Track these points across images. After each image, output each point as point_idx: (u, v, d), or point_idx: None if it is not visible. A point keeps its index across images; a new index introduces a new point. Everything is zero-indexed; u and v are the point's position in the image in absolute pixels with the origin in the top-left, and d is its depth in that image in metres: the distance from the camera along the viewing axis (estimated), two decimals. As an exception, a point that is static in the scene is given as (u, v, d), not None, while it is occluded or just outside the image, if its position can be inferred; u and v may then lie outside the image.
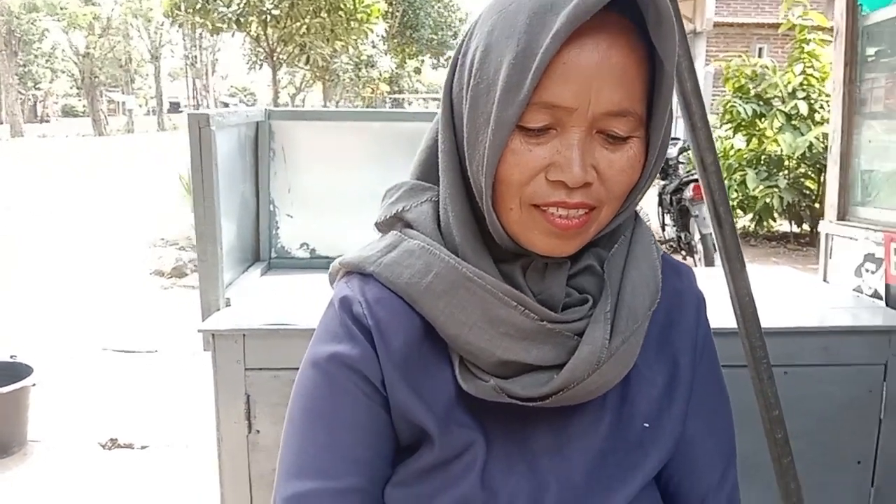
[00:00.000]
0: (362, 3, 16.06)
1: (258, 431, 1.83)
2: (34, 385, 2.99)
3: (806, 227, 8.94)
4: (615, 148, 0.74)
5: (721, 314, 1.76)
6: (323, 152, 2.55)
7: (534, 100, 0.70)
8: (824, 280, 2.45)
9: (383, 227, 0.89)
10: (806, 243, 8.85)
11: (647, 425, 0.85)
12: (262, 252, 2.55)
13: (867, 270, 2.21)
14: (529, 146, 0.73)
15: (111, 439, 3.17)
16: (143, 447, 3.14)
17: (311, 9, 15.49)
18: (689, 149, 2.46)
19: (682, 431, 0.88)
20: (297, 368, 1.80)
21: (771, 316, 1.94)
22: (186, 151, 1.86)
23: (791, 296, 2.25)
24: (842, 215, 2.42)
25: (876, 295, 2.15)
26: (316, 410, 0.83)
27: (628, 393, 0.85)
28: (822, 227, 2.47)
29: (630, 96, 0.72)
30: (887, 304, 2.09)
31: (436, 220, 0.84)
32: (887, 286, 2.10)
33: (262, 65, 20.50)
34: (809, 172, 8.52)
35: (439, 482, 0.82)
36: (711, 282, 1.66)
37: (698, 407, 0.90)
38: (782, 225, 9.36)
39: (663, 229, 7.91)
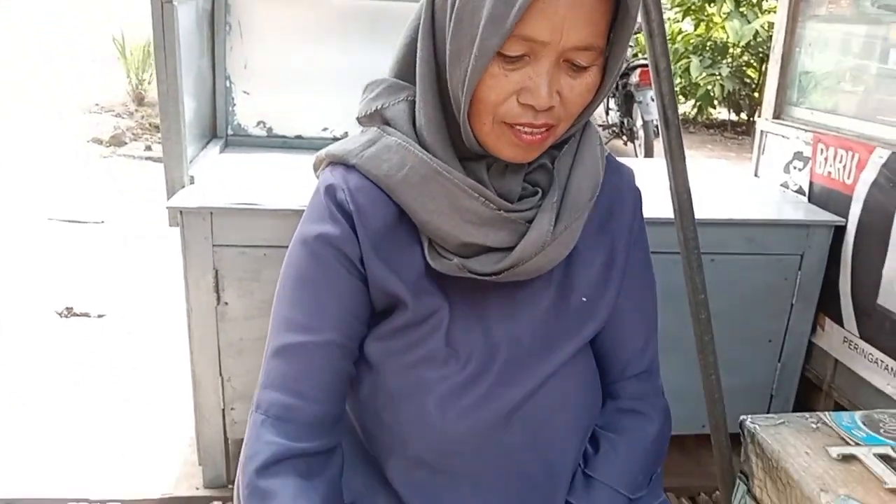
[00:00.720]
0: None
1: (226, 304, 1.93)
2: (-13, 253, 3.02)
3: (744, 115, 9.19)
4: (577, 75, 0.85)
5: (660, 206, 1.92)
6: (280, 28, 2.53)
7: (514, 32, 0.80)
8: (755, 175, 2.62)
9: (365, 121, 0.99)
10: (742, 132, 9.13)
11: (584, 299, 1.01)
12: (218, 129, 2.57)
13: (795, 168, 2.39)
14: (506, 72, 0.83)
15: (67, 308, 3.23)
16: (99, 316, 3.22)
17: None
18: (639, 32, 2.50)
19: (614, 306, 1.04)
20: (263, 246, 1.91)
21: (703, 208, 2.10)
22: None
23: (723, 189, 2.42)
24: (777, 114, 2.56)
25: (800, 191, 2.33)
26: (303, 279, 0.96)
27: (570, 272, 1.00)
28: (759, 124, 2.62)
29: (596, 33, 0.83)
30: (809, 200, 2.28)
31: (411, 119, 0.94)
32: (811, 184, 2.28)
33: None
34: (752, 61, 8.68)
35: (410, 339, 0.97)
36: (652, 175, 1.81)
37: (628, 286, 1.06)
38: (721, 113, 9.59)
39: (607, 114, 8.01)
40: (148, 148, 6.46)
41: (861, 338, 2.03)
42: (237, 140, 2.57)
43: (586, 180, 0.94)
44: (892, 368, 1.91)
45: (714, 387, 1.60)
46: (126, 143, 6.56)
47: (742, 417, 1.10)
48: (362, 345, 1.00)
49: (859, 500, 0.90)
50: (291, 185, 2.00)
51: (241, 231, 1.88)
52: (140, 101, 7.68)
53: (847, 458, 0.98)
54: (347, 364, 0.98)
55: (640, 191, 1.08)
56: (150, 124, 7.19)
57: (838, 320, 2.12)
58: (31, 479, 2.13)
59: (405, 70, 0.96)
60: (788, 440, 1.02)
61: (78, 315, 3.22)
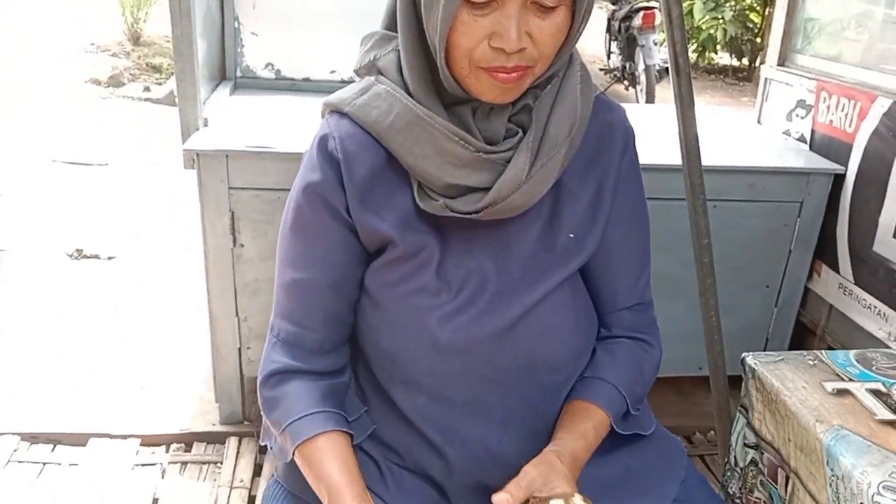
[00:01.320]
0: None
1: (242, 245, 1.98)
2: (-2, 195, 3.05)
3: (745, 61, 9.13)
4: (545, 16, 0.90)
5: (665, 153, 1.96)
6: (288, -33, 2.52)
7: None
8: (758, 122, 2.66)
9: (361, 72, 1.06)
10: (743, 78, 9.08)
11: (571, 235, 1.07)
12: (227, 71, 2.58)
13: (797, 115, 2.42)
14: (475, 17, 0.88)
15: (77, 250, 3.28)
16: (109, 258, 3.27)
17: None
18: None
19: (602, 239, 1.10)
20: (277, 189, 1.95)
21: (706, 154, 2.15)
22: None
23: (727, 136, 2.46)
24: (782, 61, 2.58)
25: (802, 139, 2.37)
26: (298, 226, 1.06)
27: (557, 208, 1.05)
28: (763, 71, 2.64)
29: None
30: (811, 149, 2.32)
31: (399, 68, 1.01)
32: (813, 132, 2.32)
33: None
34: (755, 5, 8.58)
35: (403, 272, 1.04)
36: (658, 121, 1.83)
37: (618, 220, 1.11)
38: (723, 58, 9.51)
39: (608, 57, 7.94)
40: (147, 89, 6.42)
41: (856, 284, 2.10)
42: (246, 82, 2.58)
43: (565, 118, 0.99)
44: (884, 314, 1.99)
45: (714, 328, 1.67)
46: (124, 84, 6.51)
47: (744, 355, 1.17)
48: (364, 278, 1.09)
49: (851, 430, 0.97)
50: (302, 127, 2.02)
51: (256, 174, 1.92)
52: (136, 40, 7.57)
53: (841, 393, 1.06)
54: (345, 298, 1.08)
55: (632, 129, 1.13)
56: (147, 64, 7.13)
57: (834, 267, 2.19)
58: (53, 416, 2.22)
59: (393, 21, 1.01)
60: (787, 375, 1.09)
61: (88, 257, 3.27)
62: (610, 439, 1.08)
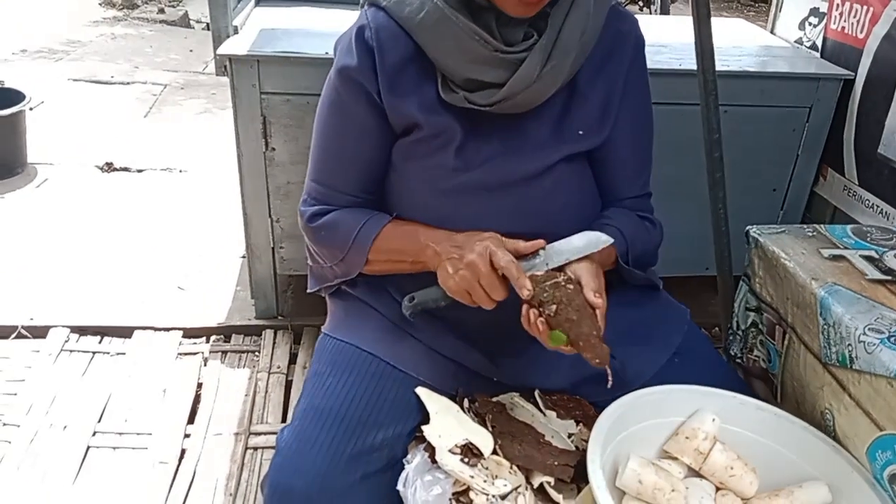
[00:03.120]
0: None
1: (273, 149, 2.08)
2: (31, 109, 3.13)
3: (763, -19, 8.94)
4: None
5: (685, 58, 2.02)
6: None
7: None
8: (772, 32, 2.70)
9: None
10: (760, 0, 8.92)
11: (581, 132, 1.20)
12: (252, -17, 2.63)
13: (810, 24, 2.46)
14: None
15: (107, 163, 3.39)
16: (139, 170, 3.38)
17: None
18: None
19: (609, 137, 1.21)
20: (307, 94, 2.03)
21: (720, 61, 2.21)
22: None
23: (740, 44, 2.50)
24: (797, -31, 2.60)
25: (814, 47, 2.42)
26: (333, 104, 1.20)
27: (569, 107, 1.19)
28: (778, -20, 2.66)
29: None
30: (822, 56, 2.37)
31: None
32: (825, 39, 2.36)
33: None
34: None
35: (426, 149, 1.17)
36: (684, 31, 1.88)
37: (624, 119, 1.23)
38: (740, -22, 9.32)
39: (624, -22, 7.82)
40: (161, 11, 6.40)
41: (860, 185, 2.19)
42: (270, -6, 2.63)
43: (577, 25, 1.10)
44: (886, 212, 2.08)
45: (721, 220, 1.78)
46: (138, 6, 6.49)
47: (747, 228, 1.28)
48: (391, 153, 1.22)
49: (843, 286, 1.08)
50: (327, 36, 2.10)
51: (287, 79, 2.00)
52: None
53: (836, 258, 1.17)
54: (373, 172, 1.22)
55: (643, 38, 1.25)
56: (159, -14, 7.09)
57: (840, 170, 2.28)
58: (99, 311, 2.37)
59: None
60: (787, 243, 1.20)
61: (118, 170, 3.38)
62: (618, 297, 1.21)
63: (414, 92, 1.14)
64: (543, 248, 1.07)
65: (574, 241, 1.07)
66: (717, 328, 2.42)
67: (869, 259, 1.17)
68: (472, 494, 1.01)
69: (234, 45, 2.00)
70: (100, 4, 6.49)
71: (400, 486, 1.02)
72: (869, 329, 0.99)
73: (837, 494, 1.00)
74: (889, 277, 1.12)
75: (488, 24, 1.08)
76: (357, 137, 1.19)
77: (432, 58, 1.11)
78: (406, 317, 1.16)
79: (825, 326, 1.06)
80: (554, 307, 1.01)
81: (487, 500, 0.98)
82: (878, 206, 2.11)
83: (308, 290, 1.38)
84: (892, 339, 0.97)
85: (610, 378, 1.01)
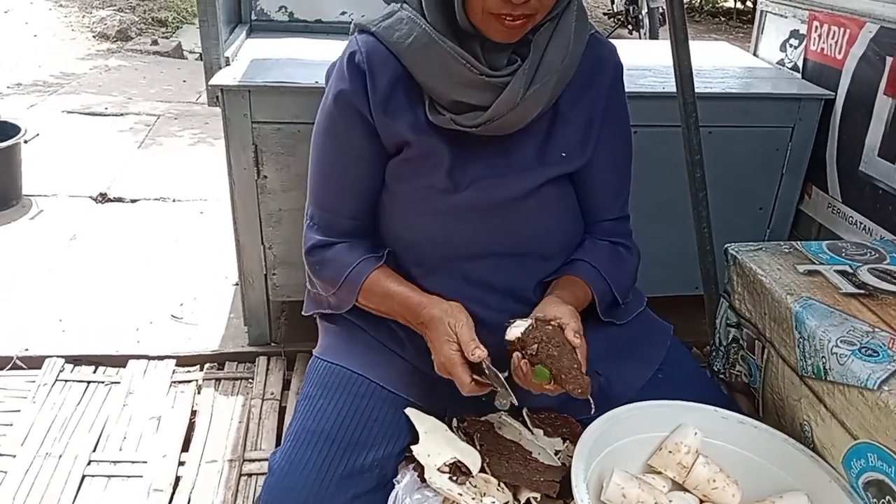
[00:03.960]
0: None
1: (265, 177, 2.12)
2: (25, 142, 3.17)
3: (749, 3, 9.08)
4: None
5: (661, 82, 2.07)
6: None
7: None
8: (754, 54, 2.75)
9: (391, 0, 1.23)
10: (747, 21, 9.04)
11: (564, 154, 1.24)
12: (243, 14, 2.68)
13: (791, 45, 2.52)
14: None
15: (101, 194, 3.42)
16: (133, 200, 3.42)
17: None
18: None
19: (590, 160, 1.26)
20: (297, 122, 2.07)
21: (703, 83, 2.27)
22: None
23: (723, 66, 2.56)
24: (777, -6, 2.67)
25: (795, 68, 2.48)
26: (330, 129, 1.24)
27: (552, 130, 1.24)
28: (759, 4, 2.72)
29: None
30: (803, 77, 2.42)
31: (421, 2, 1.16)
32: (805, 60, 2.42)
33: None
34: (759, -53, 8.51)
35: (417, 169, 1.22)
36: (668, 55, 1.93)
37: (604, 143, 1.28)
38: (728, 1, 9.47)
39: (612, 2, 7.95)
40: (154, 42, 6.47)
41: (843, 203, 2.23)
42: (261, 25, 2.69)
43: (558, 50, 1.15)
44: (869, 229, 2.12)
45: (706, 239, 1.81)
46: (132, 38, 6.57)
47: (726, 245, 1.31)
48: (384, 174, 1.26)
49: (817, 300, 1.11)
50: (317, 65, 2.14)
51: (277, 108, 2.04)
52: (141, -5, 7.61)
53: (812, 273, 1.20)
54: (371, 191, 1.26)
55: (621, 64, 1.31)
56: (153, 18, 7.18)
57: (824, 188, 2.32)
58: (93, 341, 2.38)
59: None
60: (764, 260, 1.23)
61: (112, 200, 3.41)
62: (600, 319, 1.24)
63: (403, 114, 1.19)
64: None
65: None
66: (707, 346, 2.44)
67: (843, 273, 1.20)
68: (459, 511, 1.02)
69: (226, 76, 2.04)
70: (93, 37, 6.56)
71: (389, 505, 1.04)
72: (841, 341, 1.02)
73: (816, 503, 1.02)
74: (862, 291, 1.15)
75: (474, 50, 1.13)
76: (354, 161, 1.23)
77: (420, 81, 1.16)
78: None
79: (800, 340, 1.09)
80: (535, 346, 1.06)
81: (475, 516, 1.00)
82: (861, 223, 2.15)
83: (304, 313, 1.41)
84: (863, 351, 0.99)
85: (593, 406, 1.04)
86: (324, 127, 1.25)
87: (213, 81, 2.02)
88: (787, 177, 2.37)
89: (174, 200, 3.45)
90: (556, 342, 1.04)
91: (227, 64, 2.16)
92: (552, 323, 1.07)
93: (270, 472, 1.11)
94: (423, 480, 1.06)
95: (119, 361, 2.28)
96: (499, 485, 1.08)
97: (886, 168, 2.02)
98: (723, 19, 9.27)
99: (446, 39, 1.12)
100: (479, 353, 1.07)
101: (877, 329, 1.05)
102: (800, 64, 2.45)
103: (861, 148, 2.13)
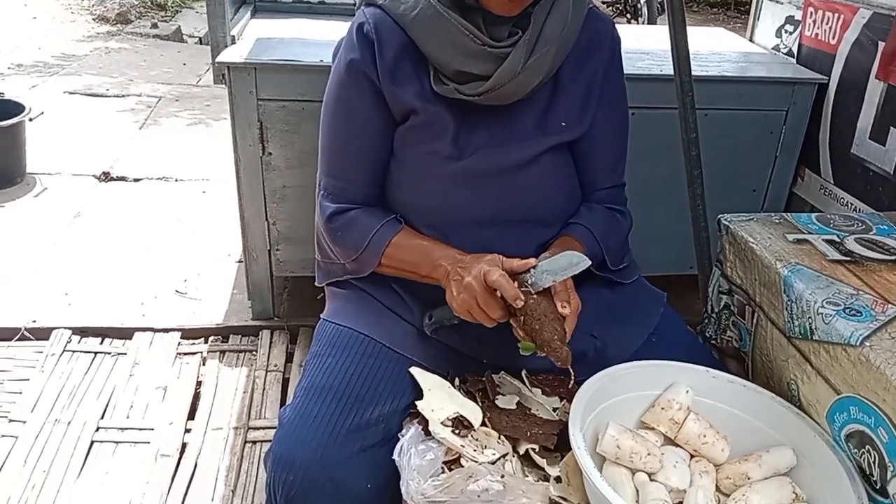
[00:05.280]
0: None
1: (270, 154, 2.16)
2: (31, 119, 3.20)
3: (747, -6, 9.11)
4: None
5: (666, 64, 2.11)
6: None
7: None
8: (750, 40, 2.80)
9: None
10: (744, 10, 9.08)
11: (564, 124, 1.29)
12: (248, -5, 2.72)
13: (786, 31, 2.56)
14: None
15: (104, 172, 3.46)
16: (135, 180, 3.45)
17: None
18: None
19: (588, 130, 1.31)
20: (302, 100, 2.10)
21: (701, 67, 2.31)
22: None
23: (720, 51, 2.60)
24: (774, -20, 2.71)
25: (790, 53, 2.52)
26: (341, 98, 1.28)
27: (552, 100, 1.29)
28: (756, -9, 2.77)
29: None
30: (797, 62, 2.47)
31: None
32: (800, 46, 2.46)
33: None
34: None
35: (423, 136, 1.26)
36: (665, 39, 1.97)
37: (601, 115, 1.33)
38: (725, -9, 9.50)
39: (611, -10, 7.96)
40: (154, 25, 6.49)
41: (835, 185, 2.28)
42: (265, 6, 2.72)
43: (557, 22, 1.19)
44: (860, 209, 2.17)
45: (700, 216, 1.86)
46: (132, 21, 6.58)
47: (719, 216, 1.36)
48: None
49: (805, 265, 1.17)
50: (322, 45, 2.18)
51: (283, 86, 2.08)
52: (141, -22, 7.60)
53: (800, 241, 1.25)
54: (380, 159, 1.30)
55: (619, 37, 1.35)
56: (152, 2, 7.19)
57: (816, 170, 2.37)
58: (100, 314, 2.43)
59: None
60: (755, 230, 1.28)
61: (115, 179, 3.45)
62: (597, 285, 1.29)
63: (410, 82, 1.23)
64: (535, 267, 1.14)
65: (559, 262, 1.13)
66: (700, 324, 2.48)
67: (831, 242, 1.25)
68: (462, 461, 1.08)
69: (232, 54, 2.08)
70: (93, 20, 6.57)
71: (395, 456, 1.08)
72: (827, 302, 1.07)
73: (802, 457, 1.07)
74: (848, 258, 1.20)
75: (476, 22, 1.18)
76: (364, 129, 1.27)
77: (425, 52, 1.21)
78: (427, 333, 1.26)
79: (788, 303, 1.14)
80: (522, 318, 1.11)
81: (477, 465, 1.05)
82: (852, 204, 2.20)
83: (316, 284, 1.45)
84: (847, 311, 1.05)
85: (573, 377, 1.12)
86: (335, 97, 1.29)
87: (219, 59, 2.05)
88: (780, 159, 2.42)
89: (176, 180, 3.49)
90: (537, 314, 1.09)
91: (233, 43, 2.20)
92: (535, 296, 1.11)
93: (281, 425, 1.16)
94: (428, 433, 1.11)
95: (125, 333, 2.33)
96: (499, 438, 1.13)
97: (877, 150, 2.07)
98: (720, 9, 9.29)
99: (450, 11, 1.17)
100: (521, 301, 1.10)
101: (861, 292, 1.10)
102: (794, 49, 2.49)
103: (853, 131, 2.18)
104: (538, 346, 1.10)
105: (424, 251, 1.23)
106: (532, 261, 1.14)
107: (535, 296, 1.11)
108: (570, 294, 1.15)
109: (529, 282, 1.12)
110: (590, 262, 1.14)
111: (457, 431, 1.12)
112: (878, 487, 0.98)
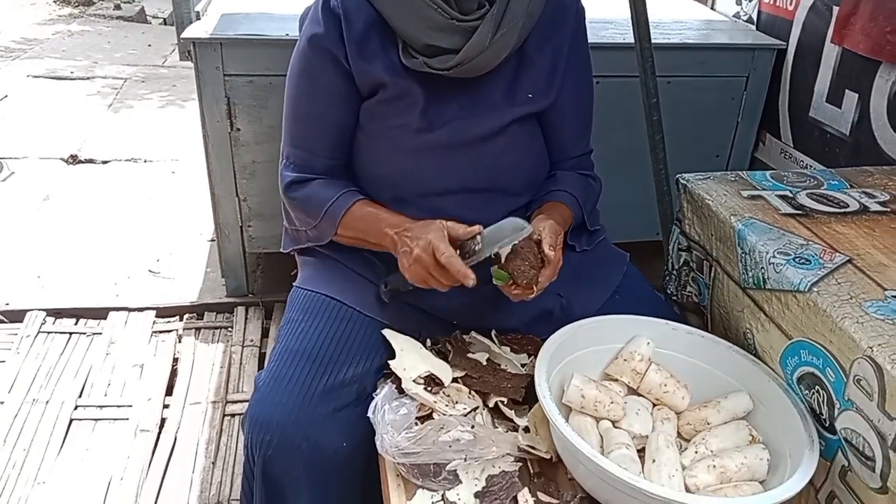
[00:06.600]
0: None
1: (239, 129, 2.16)
2: (-6, 102, 3.16)
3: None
4: None
5: (629, 33, 2.14)
6: None
7: None
8: (712, 8, 2.84)
9: None
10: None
11: (530, 95, 1.31)
12: (211, -29, 2.70)
13: (746, -1, 2.61)
14: None
15: (71, 155, 3.43)
16: (104, 162, 3.43)
17: None
18: None
19: (555, 100, 1.33)
20: (269, 75, 2.11)
21: (662, 34, 2.35)
22: None
23: (681, 19, 2.64)
24: (733, -52, 2.75)
25: (750, 20, 2.57)
26: (304, 71, 1.29)
27: (519, 72, 1.31)
28: (716, -42, 2.81)
29: None
30: (757, 28, 2.52)
31: None
32: (759, 13, 2.51)
33: None
34: None
35: (391, 111, 1.27)
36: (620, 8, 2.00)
37: (568, 86, 1.35)
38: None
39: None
40: (117, 7, 6.39)
41: (795, 148, 2.34)
42: (229, -18, 2.70)
43: None
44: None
45: (662, 180, 1.91)
46: (94, 3, 6.47)
47: (677, 176, 1.41)
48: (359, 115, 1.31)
49: (759, 219, 1.22)
50: (289, 18, 2.19)
51: (249, 61, 2.08)
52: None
53: (754, 198, 1.30)
54: (345, 132, 1.32)
55: (583, 8, 1.37)
56: (115, -17, 7.06)
57: (777, 134, 2.43)
58: (73, 295, 2.43)
59: None
60: (712, 187, 1.33)
61: (83, 162, 3.42)
62: (565, 244, 1.33)
63: (379, 56, 1.24)
64: (481, 234, 1.16)
65: (504, 228, 1.16)
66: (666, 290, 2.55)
67: (783, 198, 1.30)
68: (434, 416, 1.12)
69: (197, 30, 2.08)
70: (54, 2, 6.46)
71: (370, 414, 1.12)
72: (778, 252, 1.12)
73: (757, 401, 1.12)
74: (799, 212, 1.25)
75: None
76: (328, 101, 1.28)
77: (393, 26, 1.22)
78: (384, 300, 1.28)
79: (742, 255, 1.19)
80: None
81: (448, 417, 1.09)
82: (811, 167, 2.26)
83: (283, 250, 1.47)
84: (797, 260, 1.10)
85: (534, 292, 1.14)
86: (298, 69, 1.30)
87: (185, 35, 2.05)
88: (742, 124, 2.47)
89: (145, 161, 3.48)
90: (522, 255, 1.13)
91: (198, 19, 2.20)
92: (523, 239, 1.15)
93: (256, 389, 1.19)
94: (401, 391, 1.15)
95: (100, 314, 2.34)
96: (469, 393, 1.17)
97: (833, 112, 2.13)
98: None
99: None
100: (471, 280, 1.11)
101: (810, 242, 1.15)
102: (754, 16, 2.54)
103: (811, 94, 2.24)
104: (510, 272, 1.13)
105: (374, 219, 1.26)
106: (477, 228, 1.16)
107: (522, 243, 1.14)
108: (556, 240, 1.19)
109: (475, 249, 1.14)
110: (531, 229, 1.17)
111: (429, 389, 1.16)
112: (827, 426, 1.03)
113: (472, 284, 1.11)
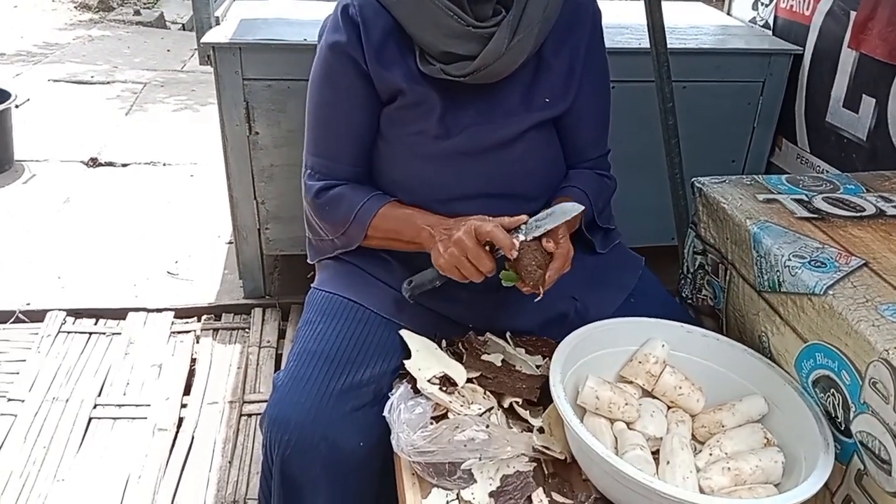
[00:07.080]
0: None
1: (257, 133, 2.19)
2: (17, 106, 3.21)
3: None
4: None
5: (645, 38, 2.15)
6: None
7: None
8: (728, 14, 2.85)
9: None
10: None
11: (547, 100, 1.32)
12: (230, -23, 2.73)
13: (762, 4, 2.61)
14: None
15: (91, 158, 3.48)
16: (123, 165, 3.48)
17: None
18: None
19: (573, 102, 1.34)
20: (287, 79, 2.13)
21: (679, 39, 2.36)
22: None
23: (697, 24, 2.65)
24: (750, -46, 2.75)
25: (766, 25, 2.57)
26: (326, 78, 1.30)
27: (536, 76, 1.31)
28: (733, -36, 2.81)
29: None
30: (773, 33, 2.52)
31: None
32: (776, 18, 2.51)
33: None
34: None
35: (410, 117, 1.29)
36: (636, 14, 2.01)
37: (585, 89, 1.36)
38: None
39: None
40: (137, 13, 6.46)
41: (811, 153, 2.34)
42: (248, -12, 2.74)
43: (540, 1, 1.22)
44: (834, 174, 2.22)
45: (678, 184, 1.91)
46: (114, 8, 6.55)
47: (693, 179, 1.41)
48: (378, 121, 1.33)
49: (774, 222, 1.22)
50: (308, 24, 2.22)
51: (268, 65, 2.11)
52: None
53: (770, 201, 1.30)
54: (366, 138, 1.33)
55: (600, 10, 1.38)
56: (135, -11, 7.15)
57: (793, 140, 2.42)
58: (93, 295, 2.47)
59: None
60: (728, 191, 1.33)
61: (103, 165, 3.47)
62: (580, 250, 1.34)
63: (397, 63, 1.26)
64: (525, 223, 1.16)
65: (553, 214, 1.16)
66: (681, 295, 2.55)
67: (799, 201, 1.30)
68: (449, 415, 1.13)
69: (217, 35, 2.11)
70: (75, 7, 6.54)
71: (386, 413, 1.13)
72: (793, 255, 1.12)
73: (772, 404, 1.13)
74: (815, 215, 1.25)
75: (460, 2, 1.20)
76: (351, 107, 1.30)
77: (410, 33, 1.23)
78: (406, 299, 1.27)
79: (758, 258, 1.19)
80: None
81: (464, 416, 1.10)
82: (827, 172, 2.26)
83: (309, 261, 1.48)
84: (813, 263, 1.10)
85: (541, 293, 1.14)
86: (320, 77, 1.31)
87: (205, 39, 2.08)
88: (758, 130, 2.47)
89: (164, 164, 3.52)
90: (528, 257, 1.13)
91: (217, 24, 2.23)
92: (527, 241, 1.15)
93: (275, 388, 1.21)
94: (416, 391, 1.16)
95: (119, 314, 2.37)
96: (484, 393, 1.18)
97: (850, 117, 2.12)
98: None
99: None
100: (515, 251, 1.12)
101: (826, 245, 1.16)
102: (770, 21, 2.54)
103: (827, 100, 2.23)
104: (517, 271, 1.13)
105: (408, 218, 1.27)
106: (523, 217, 1.16)
107: (527, 241, 1.14)
108: (562, 237, 1.18)
109: (521, 236, 1.14)
110: (582, 208, 1.17)
111: (444, 389, 1.17)
112: (842, 429, 1.04)
113: (515, 255, 1.12)
